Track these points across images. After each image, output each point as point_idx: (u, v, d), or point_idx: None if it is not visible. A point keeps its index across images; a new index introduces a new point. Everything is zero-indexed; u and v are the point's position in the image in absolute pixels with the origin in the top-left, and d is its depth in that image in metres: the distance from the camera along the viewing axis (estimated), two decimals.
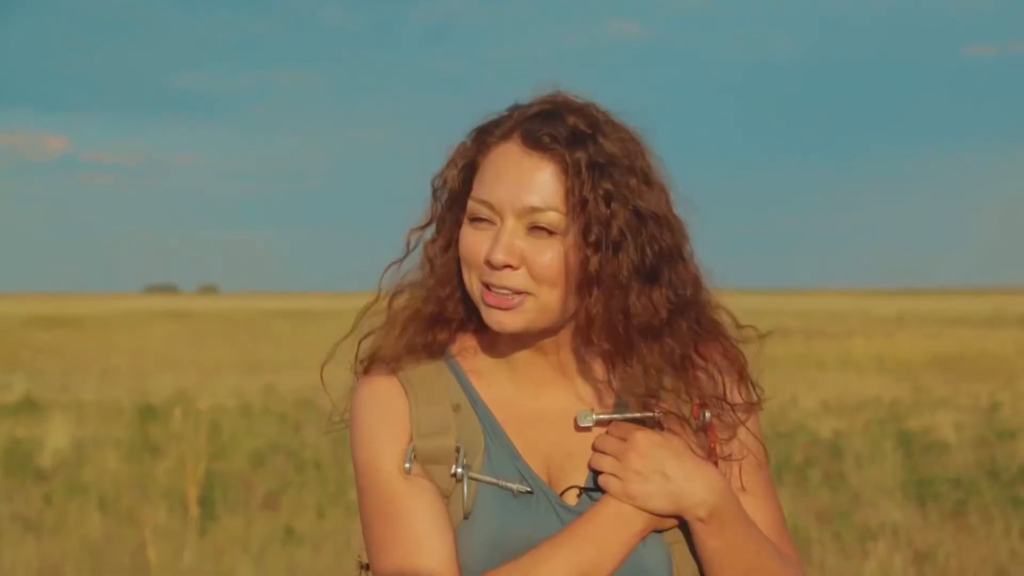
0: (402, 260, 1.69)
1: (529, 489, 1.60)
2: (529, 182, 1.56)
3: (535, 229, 1.57)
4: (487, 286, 1.59)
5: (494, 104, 1.66)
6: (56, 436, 10.52)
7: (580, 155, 1.56)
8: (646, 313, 1.59)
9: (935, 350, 22.96)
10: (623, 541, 1.56)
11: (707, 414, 1.62)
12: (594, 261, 1.56)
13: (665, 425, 1.61)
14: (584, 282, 1.57)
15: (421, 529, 1.57)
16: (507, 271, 1.57)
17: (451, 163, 1.66)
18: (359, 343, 1.69)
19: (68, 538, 6.79)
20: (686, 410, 1.63)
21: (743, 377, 1.67)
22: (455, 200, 1.65)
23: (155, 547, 6.37)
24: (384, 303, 1.70)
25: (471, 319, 1.68)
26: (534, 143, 1.57)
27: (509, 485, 1.60)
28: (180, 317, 46.36)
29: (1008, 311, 45.19)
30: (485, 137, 1.62)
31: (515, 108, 1.64)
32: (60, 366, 20.66)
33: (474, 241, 1.60)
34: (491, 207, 1.58)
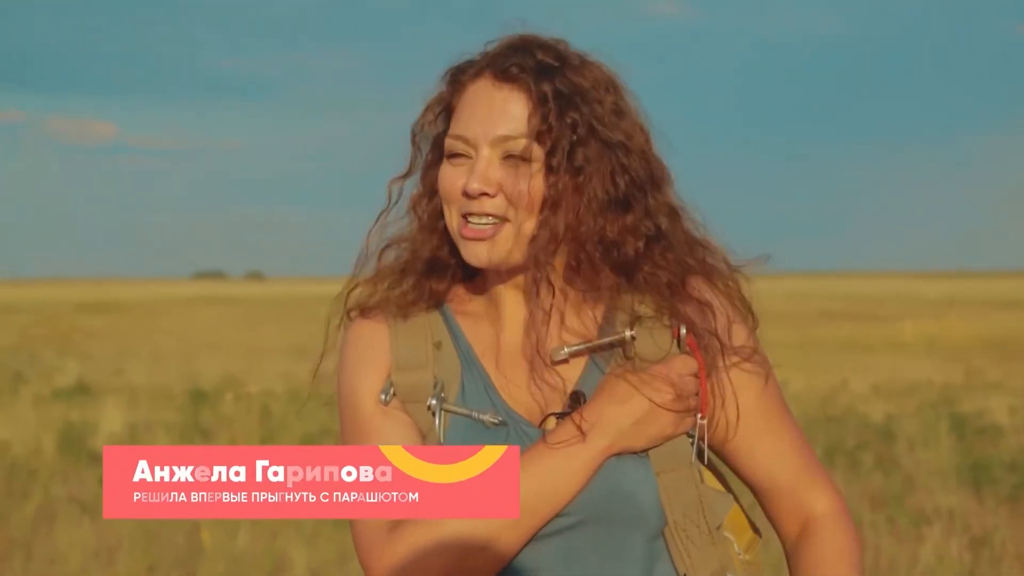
0: (387, 212, 1.71)
1: (501, 420, 1.61)
2: (500, 113, 1.60)
3: (509, 158, 1.60)
4: (465, 220, 1.61)
5: None
6: (109, 420, 10.62)
7: (546, 86, 1.59)
8: (621, 241, 1.61)
9: (986, 333, 22.72)
10: (584, 457, 1.54)
11: (683, 330, 1.60)
12: (563, 187, 1.59)
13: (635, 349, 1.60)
14: (557, 210, 1.59)
15: None
16: (484, 199, 1.59)
17: (428, 109, 1.68)
18: (347, 294, 1.71)
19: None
20: (665, 335, 1.61)
21: (737, 310, 1.65)
22: (436, 145, 1.68)
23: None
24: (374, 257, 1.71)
25: (464, 266, 1.68)
26: (503, 75, 1.61)
27: (481, 417, 1.61)
28: (228, 302, 46.62)
29: None
30: (459, 77, 1.65)
31: (486, 50, 1.67)
32: (112, 351, 20.85)
33: (452, 176, 1.62)
34: (466, 141, 1.61)
